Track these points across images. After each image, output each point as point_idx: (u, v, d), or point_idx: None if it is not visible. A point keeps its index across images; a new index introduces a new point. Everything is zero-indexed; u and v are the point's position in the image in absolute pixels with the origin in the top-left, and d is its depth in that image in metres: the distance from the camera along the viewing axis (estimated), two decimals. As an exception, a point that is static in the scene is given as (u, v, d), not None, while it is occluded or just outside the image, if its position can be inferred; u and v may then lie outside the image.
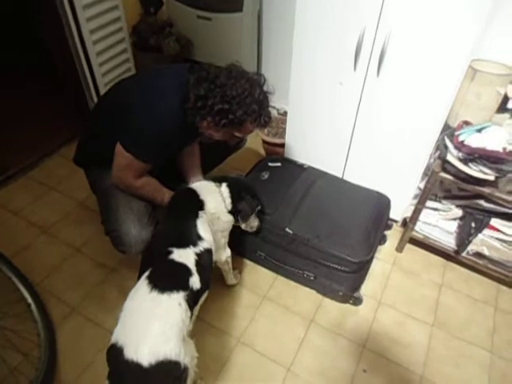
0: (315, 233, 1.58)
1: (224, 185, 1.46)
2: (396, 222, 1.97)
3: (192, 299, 1.13)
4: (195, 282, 1.16)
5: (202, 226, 1.30)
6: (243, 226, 1.56)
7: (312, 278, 1.66)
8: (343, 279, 1.58)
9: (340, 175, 1.94)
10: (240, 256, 1.83)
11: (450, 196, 1.76)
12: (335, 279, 1.61)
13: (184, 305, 1.08)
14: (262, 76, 1.39)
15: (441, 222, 1.80)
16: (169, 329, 1.01)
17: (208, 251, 1.28)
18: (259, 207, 1.57)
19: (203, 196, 1.39)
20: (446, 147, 1.56)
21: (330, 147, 1.90)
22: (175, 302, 1.07)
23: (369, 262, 1.64)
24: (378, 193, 1.80)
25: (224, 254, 1.54)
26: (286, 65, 1.82)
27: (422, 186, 1.82)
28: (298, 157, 2.01)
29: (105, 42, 2.12)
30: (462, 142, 1.51)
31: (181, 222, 1.32)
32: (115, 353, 0.98)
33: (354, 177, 1.90)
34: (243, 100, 1.27)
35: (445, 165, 1.55)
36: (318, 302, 1.70)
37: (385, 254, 1.91)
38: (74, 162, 1.64)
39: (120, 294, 1.67)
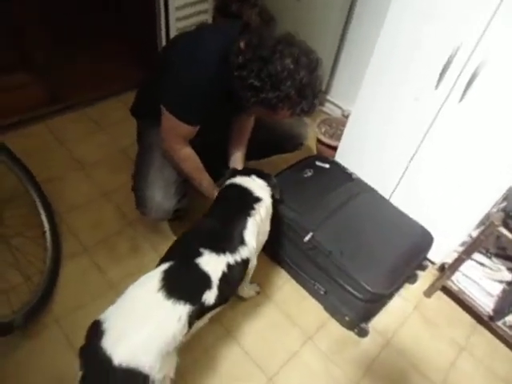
0: (340, 247, 1.45)
1: (254, 176, 1.37)
2: (433, 263, 1.78)
3: (197, 315, 1.03)
4: (210, 297, 1.05)
5: (252, 228, 1.19)
6: (277, 196, 1.45)
7: (322, 293, 1.55)
8: (353, 305, 1.45)
9: (387, 196, 1.78)
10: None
11: (503, 255, 1.55)
12: (346, 302, 1.48)
13: (184, 320, 0.97)
14: (316, 56, 1.18)
15: (483, 281, 1.59)
16: (155, 341, 0.92)
17: (244, 262, 1.16)
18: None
19: (256, 192, 1.29)
20: (515, 200, 1.36)
21: (385, 164, 1.74)
22: (176, 314, 0.97)
23: (386, 297, 1.49)
24: (422, 227, 1.62)
25: (254, 261, 1.37)
26: (366, 66, 1.65)
27: (474, 234, 1.62)
28: (348, 164, 1.86)
29: (187, -2, 2.07)
30: (537, 200, 1.30)
31: (229, 218, 1.20)
32: (95, 333, 0.92)
33: (402, 202, 1.73)
34: (280, 82, 1.11)
35: (508, 220, 1.35)
36: (323, 320, 1.59)
37: (411, 294, 1.73)
38: (130, 112, 1.63)
39: (130, 250, 1.68)
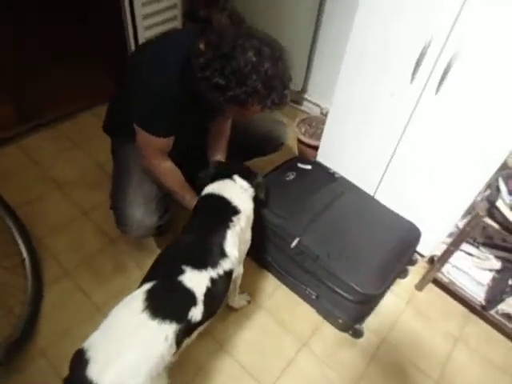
0: (327, 250, 1.43)
1: (236, 177, 1.32)
2: (422, 256, 1.78)
3: (185, 333, 0.99)
4: (196, 314, 1.01)
5: (232, 239, 1.15)
6: (262, 196, 1.42)
7: (314, 297, 1.53)
8: (346, 307, 1.43)
9: (372, 193, 1.76)
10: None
11: (490, 244, 1.55)
12: (338, 305, 1.46)
13: (171, 340, 0.94)
14: (279, 45, 1.13)
15: (473, 270, 1.59)
16: (143, 362, 0.89)
17: (227, 275, 1.12)
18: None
19: (234, 200, 1.24)
20: (498, 190, 1.35)
21: (367, 160, 1.72)
22: (162, 334, 0.93)
23: (378, 297, 1.47)
24: (408, 222, 1.62)
25: (240, 269, 1.35)
26: (341, 62, 1.62)
27: (460, 224, 1.61)
28: (330, 163, 1.84)
29: (155, 5, 2.01)
30: (520, 188, 1.29)
31: (207, 231, 1.16)
32: (79, 362, 0.87)
33: (387, 198, 1.72)
34: (245, 76, 1.06)
35: (492, 209, 1.35)
36: (316, 324, 1.56)
37: (402, 288, 1.72)
38: (102, 129, 1.57)
39: (114, 270, 1.63)
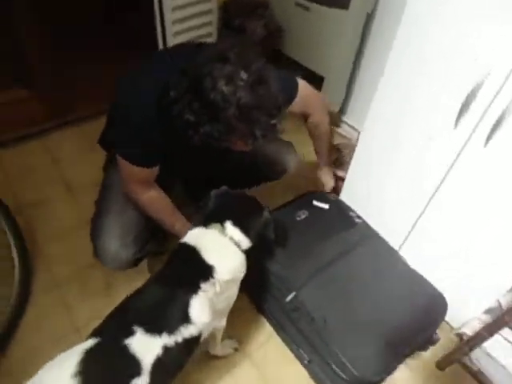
0: (324, 313, 1.21)
1: (228, 224, 1.08)
2: (451, 326, 1.48)
3: None
4: None
5: (200, 306, 0.97)
6: (271, 236, 1.19)
7: (306, 362, 1.32)
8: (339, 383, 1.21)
9: (396, 246, 1.50)
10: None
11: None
12: (330, 378, 1.24)
13: None
14: (259, 65, 0.92)
15: (511, 362, 1.28)
16: None
17: (188, 342, 0.95)
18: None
19: (211, 258, 1.02)
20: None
21: (395, 207, 1.46)
22: None
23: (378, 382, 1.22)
24: (435, 290, 1.34)
25: (221, 324, 1.19)
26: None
27: (503, 301, 1.32)
28: (354, 203, 1.60)
29: (187, 9, 1.89)
30: None
31: (172, 291, 0.98)
32: None
33: (414, 255, 1.45)
34: (217, 111, 0.89)
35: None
36: (307, 389, 1.36)
37: (420, 363, 1.44)
38: (98, 142, 1.49)
39: (102, 287, 1.55)
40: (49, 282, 1.54)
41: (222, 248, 1.06)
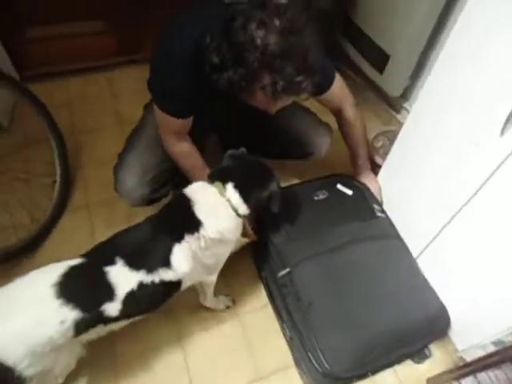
0: (312, 297, 1.19)
1: (230, 186, 1.06)
2: (455, 349, 1.38)
3: (92, 323, 0.94)
4: (112, 309, 0.94)
5: (181, 255, 1.00)
6: (275, 210, 1.16)
7: (288, 338, 1.32)
8: (311, 370, 1.19)
9: (415, 253, 1.39)
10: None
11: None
12: (305, 362, 1.22)
13: (68, 325, 0.88)
14: (295, 13, 0.86)
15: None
16: (26, 336, 0.85)
17: (165, 285, 1.00)
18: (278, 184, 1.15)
19: (201, 214, 1.04)
20: None
21: (423, 210, 1.34)
22: (59, 317, 0.88)
23: (346, 381, 1.17)
24: (441, 307, 1.24)
25: (209, 278, 1.23)
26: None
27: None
28: (384, 195, 1.50)
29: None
30: None
31: (160, 233, 1.02)
32: None
33: (431, 267, 1.34)
34: (242, 54, 0.86)
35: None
36: (286, 364, 1.34)
37: (412, 376, 1.35)
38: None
39: (125, 217, 1.63)
40: (81, 202, 1.70)
41: (216, 207, 1.06)
